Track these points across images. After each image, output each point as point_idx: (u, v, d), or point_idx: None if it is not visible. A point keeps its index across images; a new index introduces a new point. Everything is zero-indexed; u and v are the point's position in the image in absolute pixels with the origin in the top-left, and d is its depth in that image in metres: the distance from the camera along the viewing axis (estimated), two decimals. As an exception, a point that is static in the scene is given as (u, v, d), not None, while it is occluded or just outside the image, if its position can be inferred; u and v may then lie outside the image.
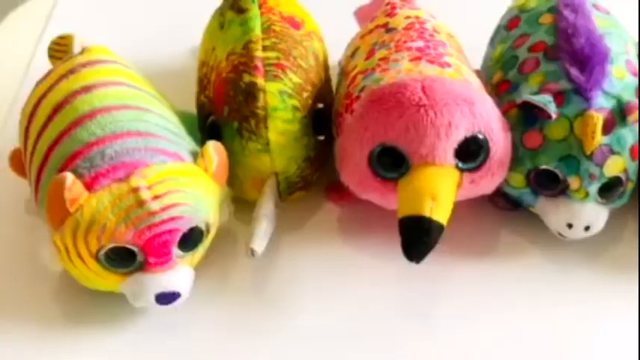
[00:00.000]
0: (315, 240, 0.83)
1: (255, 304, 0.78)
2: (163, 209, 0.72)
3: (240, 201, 0.82)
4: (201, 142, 0.79)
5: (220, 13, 0.86)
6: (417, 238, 0.74)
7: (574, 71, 0.79)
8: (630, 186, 0.80)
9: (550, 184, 0.79)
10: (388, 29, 0.84)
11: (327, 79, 0.86)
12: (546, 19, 0.84)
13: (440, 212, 0.74)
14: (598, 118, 0.76)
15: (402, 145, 0.75)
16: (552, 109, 0.77)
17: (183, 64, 0.96)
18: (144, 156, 0.73)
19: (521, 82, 0.81)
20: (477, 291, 0.79)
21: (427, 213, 0.74)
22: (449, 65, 0.79)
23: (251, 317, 0.77)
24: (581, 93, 0.78)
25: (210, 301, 0.78)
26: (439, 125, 0.75)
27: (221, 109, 0.81)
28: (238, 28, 0.83)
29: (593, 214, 0.79)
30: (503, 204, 0.84)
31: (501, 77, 0.84)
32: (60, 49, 0.85)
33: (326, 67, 0.87)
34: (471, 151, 0.76)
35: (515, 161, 0.79)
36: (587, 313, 0.78)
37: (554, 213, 0.80)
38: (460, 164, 0.76)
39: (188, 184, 0.73)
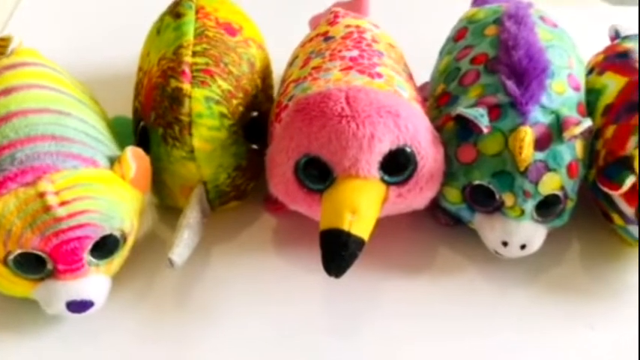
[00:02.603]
0: (246, 250, 0.81)
1: (178, 313, 0.77)
2: (70, 216, 0.70)
3: (170, 208, 0.81)
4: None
5: (160, 18, 0.85)
6: (335, 252, 0.71)
7: (511, 84, 0.76)
8: (570, 204, 0.77)
9: (485, 200, 0.77)
10: (327, 38, 0.82)
11: (265, 87, 0.84)
12: (491, 30, 0.81)
13: (360, 226, 0.72)
14: (526, 133, 0.74)
15: (326, 157, 0.73)
16: (484, 123, 0.75)
17: (133, 70, 0.95)
18: (55, 160, 0.72)
19: (460, 94, 0.79)
20: (407, 308, 0.77)
21: (345, 227, 0.71)
22: (380, 76, 0.77)
23: (173, 326, 0.76)
24: (517, 107, 0.75)
25: (133, 309, 0.77)
26: (361, 137, 0.72)
27: (149, 115, 0.79)
28: (172, 33, 0.82)
29: (530, 233, 0.77)
30: (445, 219, 0.82)
31: (443, 89, 0.81)
32: (-3, 50, 0.84)
33: (264, 75, 0.85)
34: (398, 164, 0.74)
35: (450, 176, 0.77)
36: (521, 335, 0.76)
37: (489, 230, 0.77)
38: (386, 177, 0.74)
39: (100, 191, 0.72)
